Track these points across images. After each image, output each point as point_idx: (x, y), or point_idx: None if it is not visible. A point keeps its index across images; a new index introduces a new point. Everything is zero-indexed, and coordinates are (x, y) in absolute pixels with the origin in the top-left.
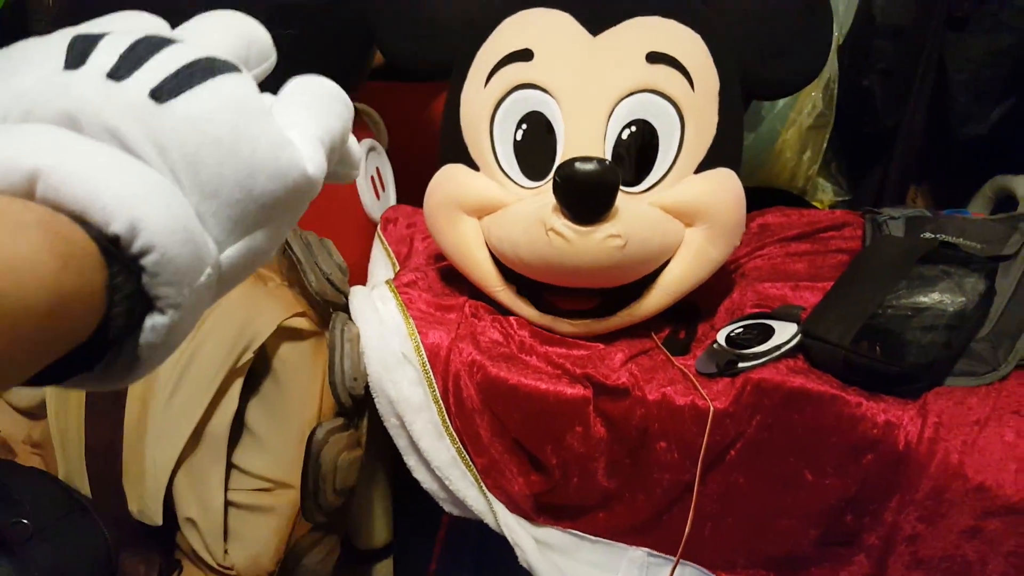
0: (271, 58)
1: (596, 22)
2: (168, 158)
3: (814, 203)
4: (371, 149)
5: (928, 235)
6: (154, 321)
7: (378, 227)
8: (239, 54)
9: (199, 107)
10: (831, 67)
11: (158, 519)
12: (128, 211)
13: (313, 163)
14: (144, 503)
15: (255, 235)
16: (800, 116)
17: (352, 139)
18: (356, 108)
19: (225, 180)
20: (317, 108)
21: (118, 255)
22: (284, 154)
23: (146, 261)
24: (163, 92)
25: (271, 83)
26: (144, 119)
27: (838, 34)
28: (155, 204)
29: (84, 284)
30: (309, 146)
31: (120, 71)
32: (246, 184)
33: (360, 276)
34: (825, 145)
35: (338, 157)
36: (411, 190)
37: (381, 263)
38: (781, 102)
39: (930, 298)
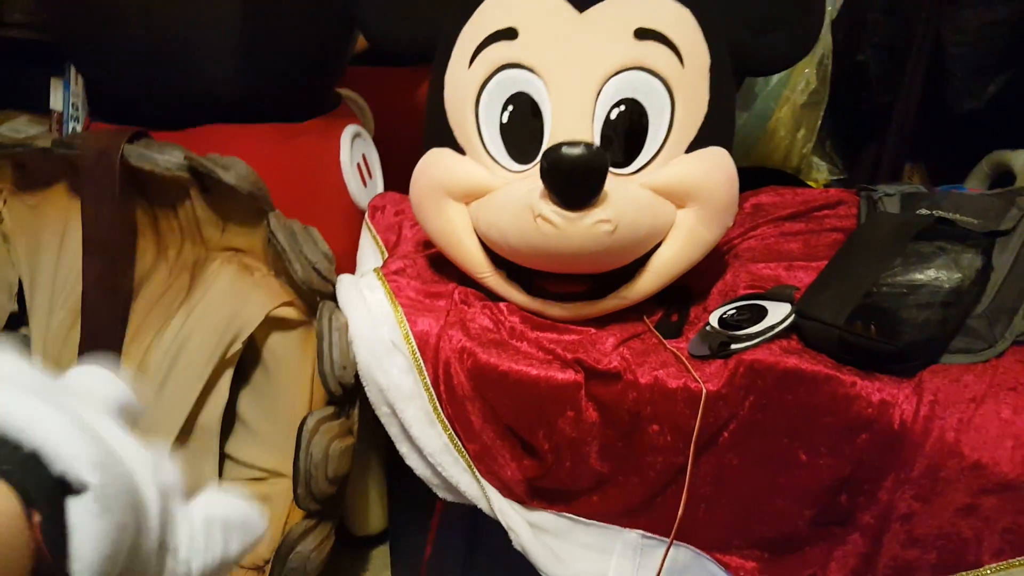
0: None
1: None
2: None
3: (808, 182)
4: (357, 135)
5: (924, 211)
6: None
7: (366, 215)
8: None
9: None
10: (824, 43)
11: None
12: None
13: None
14: None
15: None
16: (794, 94)
17: None
18: (342, 94)
19: None
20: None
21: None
22: None
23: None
24: None
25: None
26: None
27: (831, 8)
28: None
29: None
30: None
31: None
32: None
33: (349, 266)
34: (819, 123)
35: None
36: (399, 176)
37: (370, 252)
38: (774, 79)
39: (926, 275)
